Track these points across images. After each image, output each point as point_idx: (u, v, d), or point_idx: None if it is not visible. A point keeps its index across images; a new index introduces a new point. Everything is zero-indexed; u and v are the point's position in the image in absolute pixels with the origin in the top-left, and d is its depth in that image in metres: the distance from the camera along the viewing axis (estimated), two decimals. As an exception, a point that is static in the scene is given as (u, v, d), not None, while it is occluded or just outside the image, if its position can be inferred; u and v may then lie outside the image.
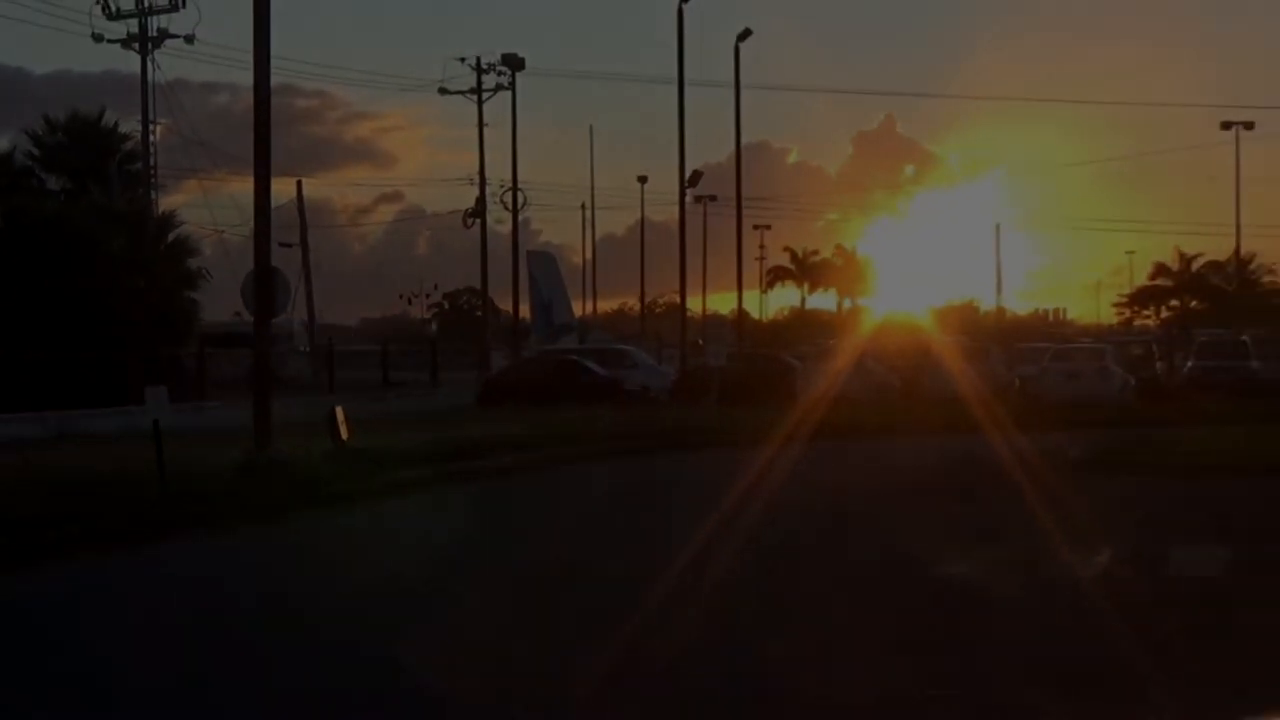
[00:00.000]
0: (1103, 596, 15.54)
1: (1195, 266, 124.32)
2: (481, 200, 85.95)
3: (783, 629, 14.60)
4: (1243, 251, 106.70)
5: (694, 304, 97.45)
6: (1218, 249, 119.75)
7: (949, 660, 12.97)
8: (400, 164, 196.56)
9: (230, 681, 12.94)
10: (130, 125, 72.11)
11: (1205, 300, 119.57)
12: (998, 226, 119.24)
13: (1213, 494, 25.99)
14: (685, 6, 68.44)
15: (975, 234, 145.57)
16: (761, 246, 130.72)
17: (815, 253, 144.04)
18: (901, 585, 17.02)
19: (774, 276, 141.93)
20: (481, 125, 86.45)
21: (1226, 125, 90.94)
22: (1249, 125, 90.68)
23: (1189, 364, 65.09)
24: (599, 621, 14.84)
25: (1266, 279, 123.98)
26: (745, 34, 72.56)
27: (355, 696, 12.22)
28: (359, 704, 12.06)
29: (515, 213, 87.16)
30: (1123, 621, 14.12)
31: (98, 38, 73.07)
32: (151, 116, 72.81)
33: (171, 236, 63.74)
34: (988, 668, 12.62)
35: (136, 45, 72.31)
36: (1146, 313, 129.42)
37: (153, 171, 72.96)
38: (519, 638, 14.29)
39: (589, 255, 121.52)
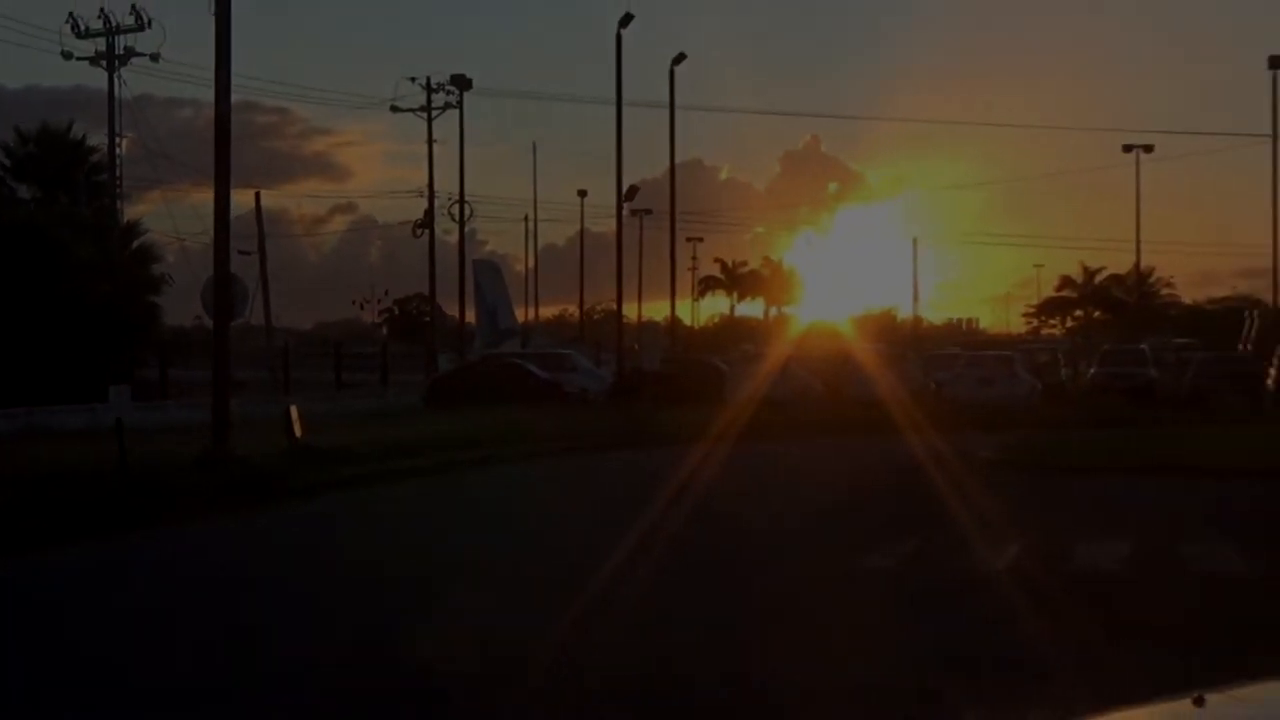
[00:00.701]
0: (1010, 585, 15.68)
1: (1098, 279, 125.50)
2: (430, 212, 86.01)
3: (707, 600, 14.72)
4: (1142, 266, 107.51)
5: (630, 311, 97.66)
6: (1119, 263, 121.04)
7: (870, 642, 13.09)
8: (354, 177, 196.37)
9: (180, 658, 13.15)
10: (98, 138, 71.62)
11: (1107, 311, 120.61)
12: (914, 241, 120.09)
13: (1111, 491, 26.26)
14: (623, 32, 68.54)
15: (893, 248, 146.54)
16: (694, 258, 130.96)
17: (744, 264, 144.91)
18: (824, 571, 17.13)
19: (705, 286, 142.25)
20: (431, 141, 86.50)
21: (1128, 148, 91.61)
22: (1148, 148, 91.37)
23: (1092, 371, 65.63)
24: (554, 587, 14.95)
25: (1164, 291, 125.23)
26: (680, 58, 72.87)
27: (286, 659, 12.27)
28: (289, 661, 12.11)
29: (462, 224, 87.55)
30: (1029, 608, 14.24)
31: (67, 55, 72.48)
32: (118, 130, 72.26)
33: (136, 244, 63.98)
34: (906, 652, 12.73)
35: (104, 63, 71.92)
36: (1053, 322, 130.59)
37: (118, 182, 72.46)
38: (448, 613, 14.40)
39: (531, 264, 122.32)
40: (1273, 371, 57.19)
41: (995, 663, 12.22)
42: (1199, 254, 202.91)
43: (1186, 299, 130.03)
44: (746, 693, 11.78)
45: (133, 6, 71.94)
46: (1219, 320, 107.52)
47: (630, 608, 14.82)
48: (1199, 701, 4.06)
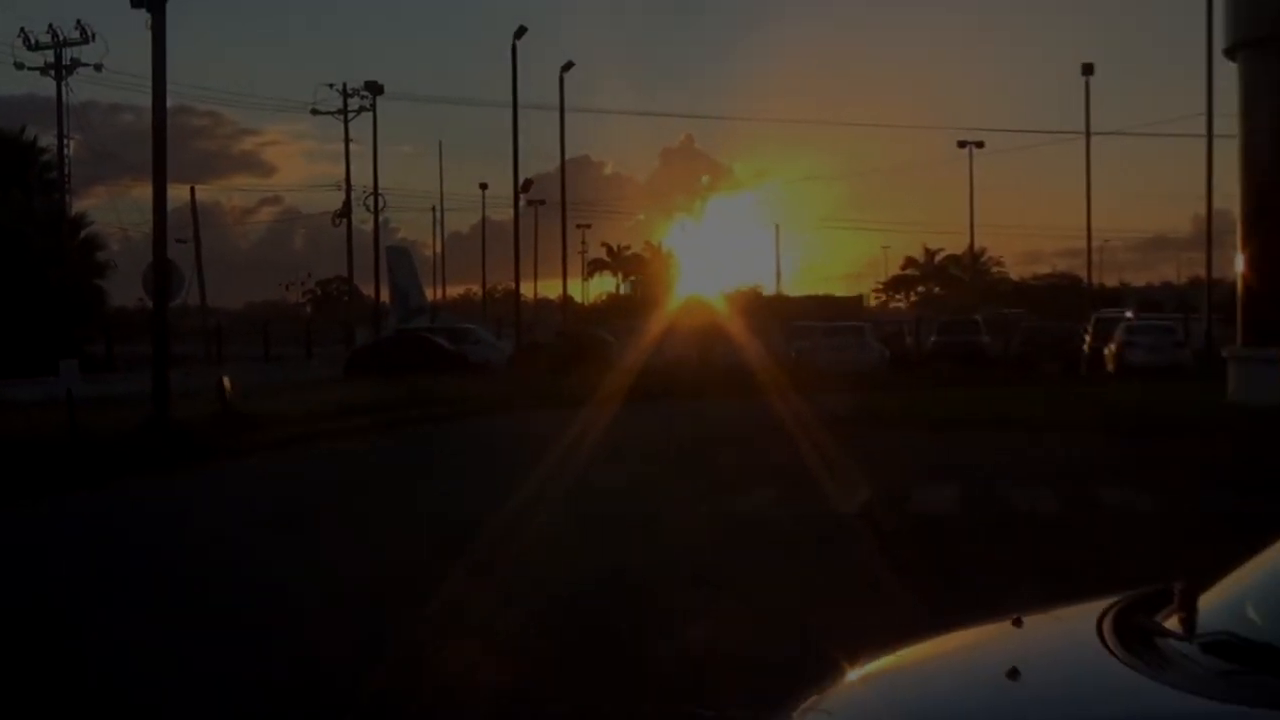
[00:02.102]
0: (858, 524, 15.81)
1: (937, 259, 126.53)
2: (347, 204, 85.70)
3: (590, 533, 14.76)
4: (975, 247, 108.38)
5: (527, 290, 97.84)
6: (956, 245, 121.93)
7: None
8: (279, 173, 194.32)
9: (118, 598, 13.12)
10: (48, 140, 71.41)
11: (946, 287, 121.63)
12: (777, 226, 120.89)
13: (946, 443, 26.49)
14: (518, 43, 68.34)
15: (758, 232, 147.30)
16: (583, 243, 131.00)
17: (628, 248, 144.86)
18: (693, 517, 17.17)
19: (593, 267, 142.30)
20: (347, 140, 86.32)
21: (962, 144, 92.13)
22: (980, 144, 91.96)
23: (932, 339, 66.00)
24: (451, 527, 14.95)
25: (995, 269, 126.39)
26: (568, 65, 72.88)
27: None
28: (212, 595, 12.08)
29: (376, 214, 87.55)
30: (874, 543, 14.37)
31: (19, 65, 73.02)
32: (66, 132, 72.14)
33: (83, 234, 63.82)
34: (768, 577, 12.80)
35: (53, 72, 71.84)
36: (899, 297, 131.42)
37: (67, 179, 72.08)
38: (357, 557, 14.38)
39: (439, 249, 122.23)
40: (1089, 337, 57.89)
41: (843, 588, 12.29)
42: (1025, 236, 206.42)
43: (1014, 275, 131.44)
44: (616, 589, 11.87)
45: (78, 21, 71.99)
46: (1042, 294, 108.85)
47: (507, 551, 14.83)
48: (1018, 623, 4.08)
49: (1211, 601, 3.71)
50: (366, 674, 9.96)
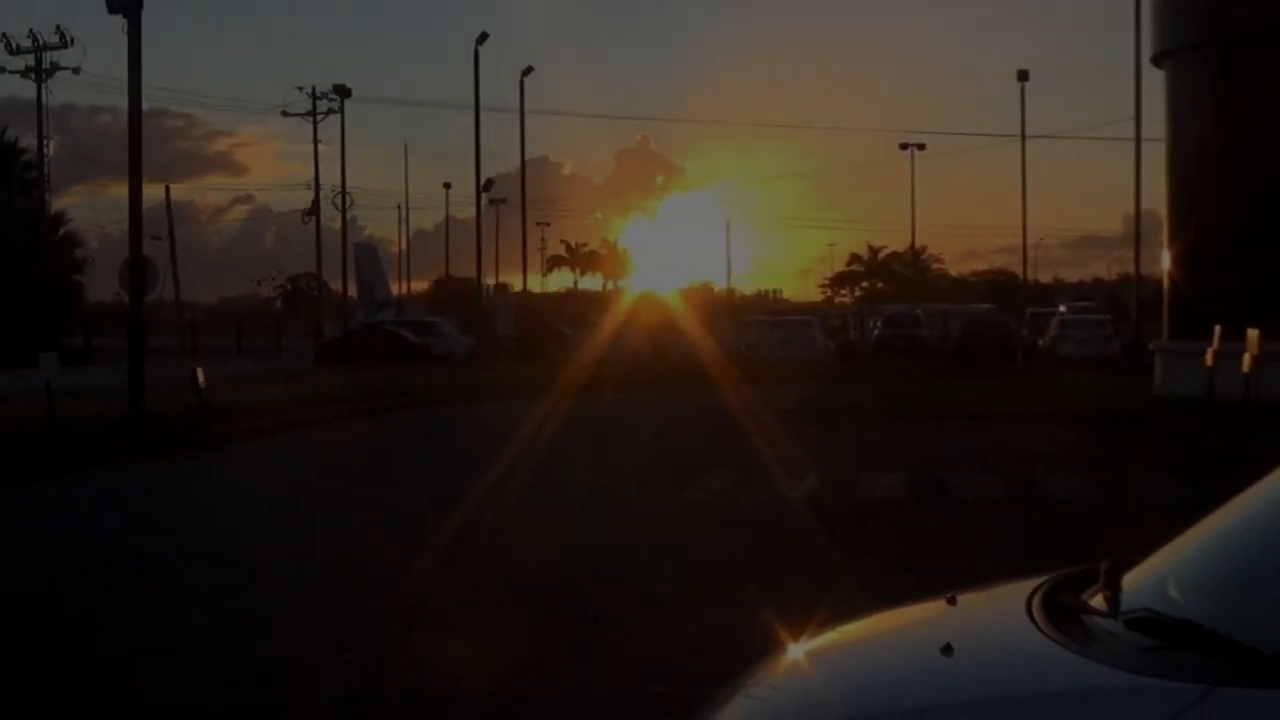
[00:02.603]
0: (804, 509, 15.84)
1: (881, 256, 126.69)
2: (316, 202, 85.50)
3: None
4: (916, 244, 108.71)
5: (488, 284, 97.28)
6: (898, 242, 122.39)
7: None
8: (251, 172, 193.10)
9: (89, 579, 13.07)
10: (28, 140, 70.90)
11: (888, 282, 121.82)
12: (728, 224, 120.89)
13: (889, 433, 26.59)
14: (480, 49, 68.16)
15: (710, 230, 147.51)
16: (543, 240, 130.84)
17: (585, 245, 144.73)
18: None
19: (552, 263, 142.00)
20: (316, 142, 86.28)
21: (904, 146, 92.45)
22: (921, 146, 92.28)
23: (875, 332, 66.17)
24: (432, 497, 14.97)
25: (935, 266, 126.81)
26: (528, 70, 72.88)
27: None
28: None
29: (344, 212, 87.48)
30: (818, 527, 14.41)
31: (0, 69, 72.11)
32: (46, 133, 71.54)
33: (62, 231, 63.76)
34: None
35: (33, 75, 71.22)
36: (844, 292, 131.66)
37: (47, 178, 71.50)
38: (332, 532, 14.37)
39: (404, 246, 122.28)
40: (1025, 331, 58.17)
41: (786, 569, 12.32)
42: (963, 234, 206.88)
43: (953, 272, 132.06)
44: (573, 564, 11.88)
45: (58, 27, 71.58)
46: (981, 289, 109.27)
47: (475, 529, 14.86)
48: (952, 601, 4.11)
49: (1135, 581, 3.75)
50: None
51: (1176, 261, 34.66)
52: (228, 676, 9.58)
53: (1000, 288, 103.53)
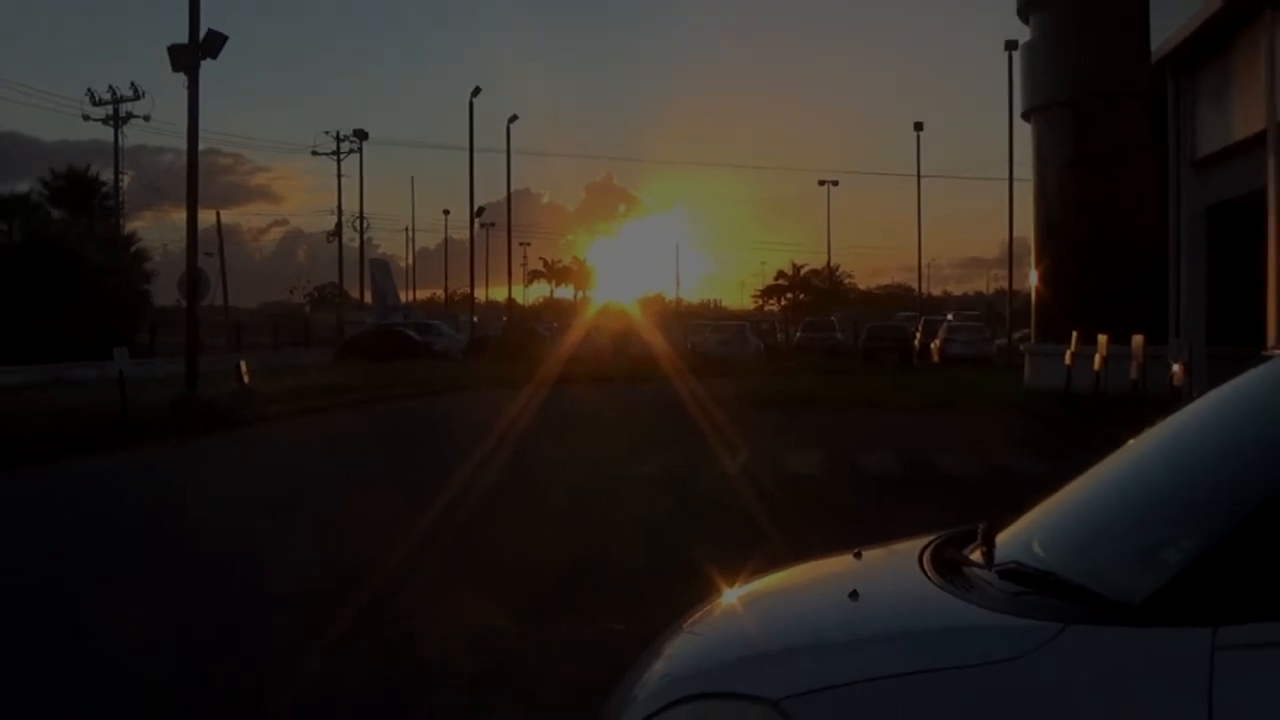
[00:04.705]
0: (740, 481, 15.84)
1: (802, 272, 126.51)
2: (339, 226, 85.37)
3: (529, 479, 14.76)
4: (832, 263, 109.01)
5: (480, 294, 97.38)
6: (817, 261, 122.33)
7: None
8: (286, 201, 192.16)
9: (145, 521, 13.07)
10: (107, 175, 72.25)
11: (809, 295, 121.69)
12: (677, 245, 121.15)
13: (810, 418, 26.60)
14: (474, 100, 68.25)
15: (662, 250, 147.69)
16: (525, 257, 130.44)
17: (559, 261, 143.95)
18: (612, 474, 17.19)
19: (532, 277, 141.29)
20: (339, 176, 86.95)
21: (822, 182, 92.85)
22: (835, 182, 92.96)
23: (798, 335, 66.25)
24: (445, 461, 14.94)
25: (847, 281, 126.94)
26: (513, 118, 73.03)
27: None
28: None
29: (361, 234, 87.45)
30: (752, 495, 14.40)
31: (86, 118, 74.62)
32: (121, 169, 72.46)
33: (133, 249, 65.07)
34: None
35: (112, 123, 71.98)
36: (773, 302, 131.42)
37: (121, 206, 72.28)
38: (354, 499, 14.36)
39: (411, 261, 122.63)
40: (919, 335, 58.30)
41: (727, 532, 12.31)
42: (870, 255, 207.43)
43: (862, 286, 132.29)
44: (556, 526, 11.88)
45: (132, 83, 73.23)
46: (883, 300, 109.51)
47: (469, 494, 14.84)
48: (858, 555, 4.11)
49: (1006, 538, 3.77)
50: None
51: (1041, 279, 34.98)
52: (300, 562, 9.60)
53: (899, 299, 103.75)
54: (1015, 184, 54.32)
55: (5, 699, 7.53)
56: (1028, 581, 3.27)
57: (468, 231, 75.07)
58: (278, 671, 7.76)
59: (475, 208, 74.41)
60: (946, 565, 3.62)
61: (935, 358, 52.77)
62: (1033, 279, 36.16)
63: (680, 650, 3.68)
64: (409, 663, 7.93)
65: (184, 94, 27.54)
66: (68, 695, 7.56)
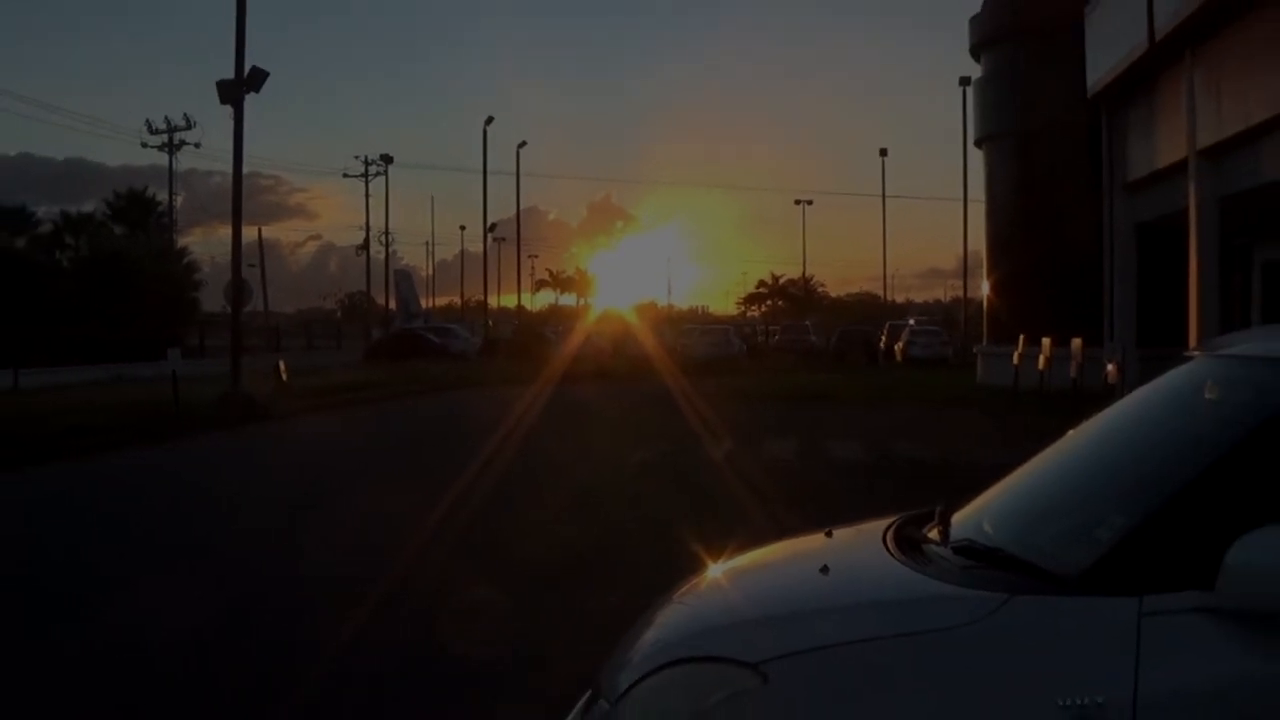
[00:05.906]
0: (724, 466, 15.84)
1: (780, 281, 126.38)
2: (367, 240, 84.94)
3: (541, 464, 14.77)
4: (807, 273, 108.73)
5: (493, 301, 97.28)
6: (794, 271, 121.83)
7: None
8: (320, 218, 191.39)
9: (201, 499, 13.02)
10: (162, 195, 74.26)
11: (787, 301, 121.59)
12: (669, 258, 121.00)
13: (787, 410, 26.55)
14: (488, 128, 68.20)
15: (656, 261, 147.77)
16: (533, 268, 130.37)
17: (564, 272, 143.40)
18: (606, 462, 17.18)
19: (539, 285, 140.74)
20: (367, 195, 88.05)
21: (798, 201, 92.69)
22: (810, 202, 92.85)
23: (776, 338, 66.27)
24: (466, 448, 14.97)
25: (820, 289, 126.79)
26: (523, 143, 72.88)
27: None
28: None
29: (387, 247, 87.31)
30: (736, 477, 14.40)
31: (144, 145, 75.87)
32: (175, 191, 73.93)
33: (185, 261, 66.74)
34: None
35: (167, 149, 72.83)
36: (754, 308, 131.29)
37: (175, 223, 73.14)
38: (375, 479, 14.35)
39: (431, 272, 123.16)
40: (884, 338, 58.31)
41: (716, 509, 12.30)
42: (841, 266, 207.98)
43: (834, 294, 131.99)
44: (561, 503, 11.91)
45: (185, 114, 74.98)
46: (852, 307, 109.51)
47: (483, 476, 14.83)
48: (829, 534, 4.13)
49: (961, 519, 3.80)
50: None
51: (993, 288, 35.05)
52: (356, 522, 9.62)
53: (866, 305, 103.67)
54: (970, 204, 54.29)
55: (130, 603, 8.47)
56: (979, 557, 3.30)
57: (482, 245, 74.81)
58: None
59: (488, 224, 74.36)
60: (907, 543, 3.65)
61: (899, 358, 52.76)
62: (985, 288, 36.25)
63: (670, 619, 3.70)
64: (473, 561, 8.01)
65: (231, 124, 27.59)
66: (194, 602, 8.49)
